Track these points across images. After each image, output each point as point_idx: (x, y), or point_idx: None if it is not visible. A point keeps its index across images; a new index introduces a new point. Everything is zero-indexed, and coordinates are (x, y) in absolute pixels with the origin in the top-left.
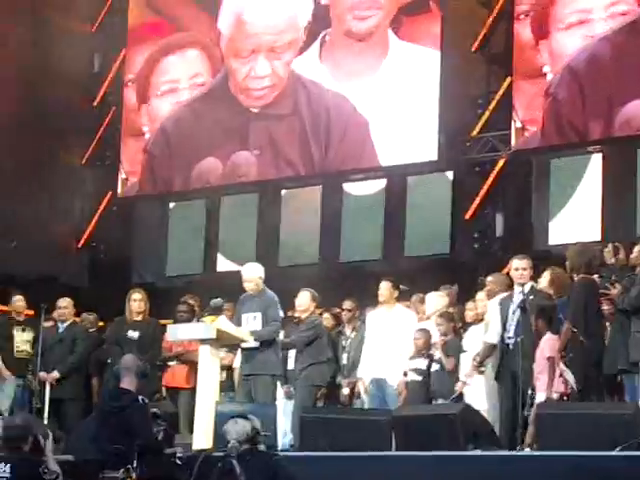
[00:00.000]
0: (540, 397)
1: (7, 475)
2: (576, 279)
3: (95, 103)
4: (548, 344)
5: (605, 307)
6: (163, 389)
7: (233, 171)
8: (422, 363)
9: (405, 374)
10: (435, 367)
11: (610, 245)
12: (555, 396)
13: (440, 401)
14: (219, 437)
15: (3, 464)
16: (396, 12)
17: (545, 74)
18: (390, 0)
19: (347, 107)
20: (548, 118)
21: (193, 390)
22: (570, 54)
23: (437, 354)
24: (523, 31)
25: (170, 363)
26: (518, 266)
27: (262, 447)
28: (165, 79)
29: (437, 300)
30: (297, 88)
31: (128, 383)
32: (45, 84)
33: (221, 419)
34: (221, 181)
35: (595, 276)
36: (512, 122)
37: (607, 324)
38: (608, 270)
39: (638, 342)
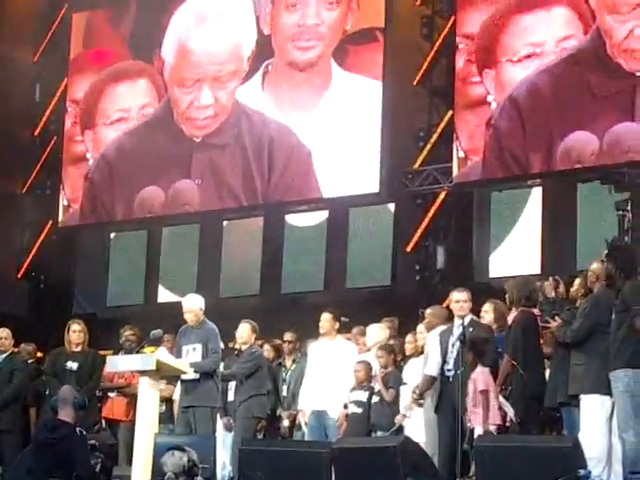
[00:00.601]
0: (478, 430)
1: None
2: (515, 312)
3: (36, 132)
4: (480, 377)
5: (543, 341)
6: (103, 421)
7: (175, 200)
8: (362, 395)
9: (345, 406)
10: (375, 399)
11: (550, 279)
12: (492, 429)
13: (380, 433)
14: (158, 469)
15: None
16: (339, 42)
17: (488, 103)
18: (332, 31)
19: (290, 137)
20: (490, 149)
21: (132, 422)
22: (512, 85)
23: (377, 386)
24: (465, 61)
25: (110, 394)
26: (458, 298)
27: (199, 479)
28: (116, 107)
29: (378, 332)
30: (240, 117)
31: (65, 414)
32: None
33: (160, 451)
34: (163, 210)
35: (535, 309)
36: (455, 152)
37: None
38: (548, 304)
39: (577, 375)
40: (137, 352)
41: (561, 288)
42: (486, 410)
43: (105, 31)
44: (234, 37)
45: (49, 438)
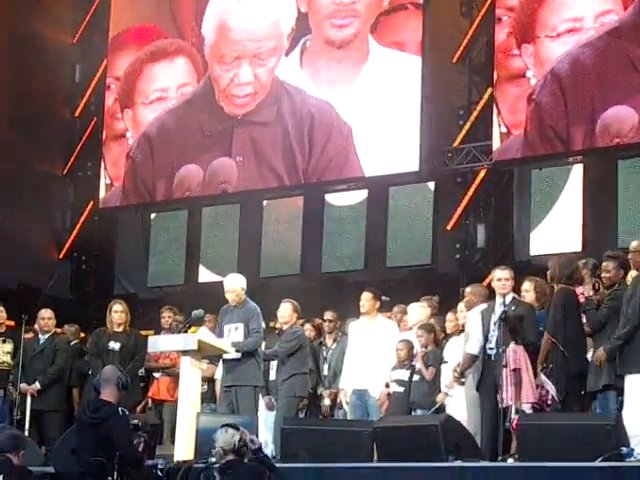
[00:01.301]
0: (525, 408)
1: None
2: (556, 289)
3: (77, 113)
4: (512, 355)
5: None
6: (149, 400)
7: (214, 178)
8: (404, 374)
9: (387, 385)
10: (416, 378)
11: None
12: (525, 407)
13: (420, 412)
14: (201, 448)
15: None
16: (376, 18)
17: (527, 78)
18: (369, 7)
19: (331, 113)
20: (531, 124)
21: (177, 402)
22: (554, 59)
23: (418, 365)
24: (504, 35)
25: (155, 374)
26: (501, 276)
27: (246, 460)
28: (154, 87)
29: (419, 311)
30: (281, 95)
31: (108, 394)
32: (27, 95)
33: (203, 430)
34: (202, 188)
35: (578, 287)
36: (496, 127)
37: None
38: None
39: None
40: (179, 332)
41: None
42: (518, 388)
43: (145, 8)
44: (273, 14)
45: (92, 418)
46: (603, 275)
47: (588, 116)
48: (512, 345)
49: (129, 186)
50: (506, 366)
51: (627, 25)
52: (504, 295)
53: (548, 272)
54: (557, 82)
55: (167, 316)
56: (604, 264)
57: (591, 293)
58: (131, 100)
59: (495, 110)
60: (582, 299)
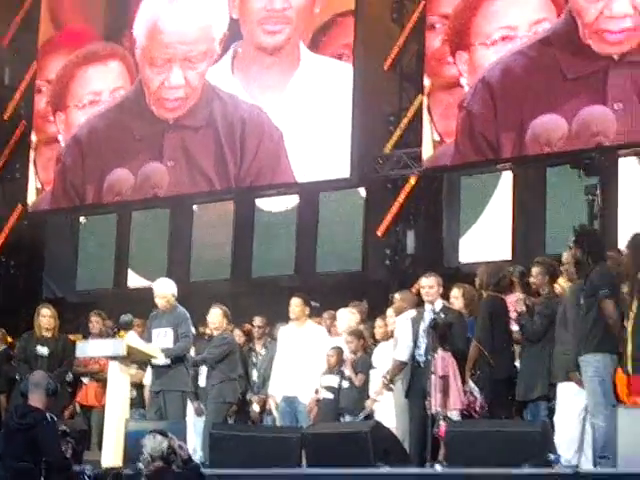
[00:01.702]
0: (453, 415)
1: None
2: (483, 297)
3: (5, 116)
4: (440, 363)
5: (513, 327)
6: (77, 406)
7: (145, 183)
8: (334, 380)
9: (317, 391)
10: (345, 384)
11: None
12: (453, 414)
13: (348, 418)
14: (129, 454)
15: None
16: (307, 26)
17: (461, 86)
18: (300, 14)
19: (262, 118)
20: (462, 132)
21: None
22: (485, 67)
23: (347, 371)
24: (438, 43)
25: (84, 380)
26: (425, 284)
27: (174, 467)
28: (87, 91)
29: (348, 317)
30: (212, 99)
31: (37, 400)
32: None
33: (131, 436)
34: (133, 193)
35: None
36: (430, 134)
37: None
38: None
39: (562, 363)
40: (107, 337)
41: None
42: (446, 395)
43: (76, 12)
44: (205, 18)
45: (19, 424)
46: (530, 280)
47: (518, 124)
48: (440, 352)
49: (59, 190)
50: (434, 373)
51: (557, 33)
52: (431, 302)
53: (476, 280)
54: (488, 90)
55: (95, 321)
56: (532, 270)
57: (522, 307)
58: (63, 103)
59: (428, 118)
60: (512, 307)
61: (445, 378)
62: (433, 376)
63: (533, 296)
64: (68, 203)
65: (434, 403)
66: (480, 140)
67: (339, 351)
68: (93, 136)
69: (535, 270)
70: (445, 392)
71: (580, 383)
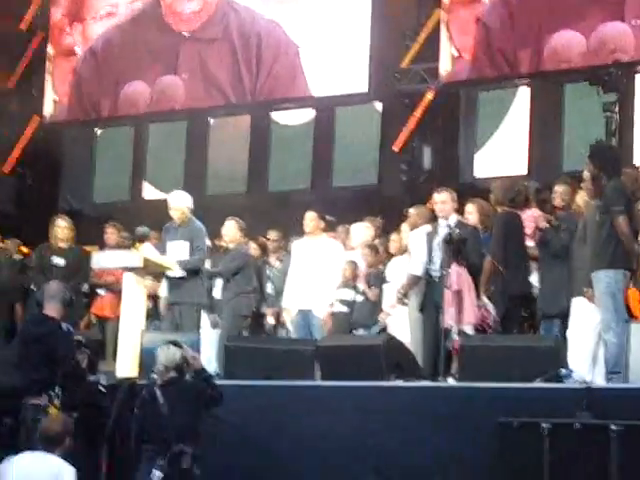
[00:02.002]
0: (467, 329)
1: None
2: (498, 212)
3: (23, 26)
4: (454, 277)
5: (529, 243)
6: (92, 317)
7: (161, 95)
8: (348, 294)
9: (331, 305)
10: (359, 298)
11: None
12: (466, 328)
13: (361, 331)
14: (144, 365)
15: None
16: None
17: (481, 1)
18: None
19: (278, 32)
20: (479, 46)
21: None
22: None
23: (361, 285)
24: None
25: (99, 291)
26: (437, 200)
27: (187, 377)
28: (104, 3)
29: (363, 231)
30: (228, 12)
31: (52, 310)
32: None
33: (146, 347)
34: (148, 106)
35: (521, 210)
36: (447, 50)
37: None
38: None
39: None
40: (123, 249)
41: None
42: (460, 309)
43: None
44: None
45: (35, 333)
46: (555, 197)
47: (535, 39)
48: (455, 266)
49: (74, 102)
50: (448, 287)
51: None
52: (445, 217)
53: (491, 195)
54: (506, 5)
55: (111, 232)
56: (558, 187)
57: (544, 223)
58: (80, 15)
59: (446, 33)
60: (528, 223)
61: (459, 292)
62: (447, 290)
63: (549, 212)
64: (84, 115)
65: (448, 317)
66: (497, 55)
67: (354, 265)
68: (109, 48)
69: (562, 188)
70: (459, 306)
71: (592, 299)
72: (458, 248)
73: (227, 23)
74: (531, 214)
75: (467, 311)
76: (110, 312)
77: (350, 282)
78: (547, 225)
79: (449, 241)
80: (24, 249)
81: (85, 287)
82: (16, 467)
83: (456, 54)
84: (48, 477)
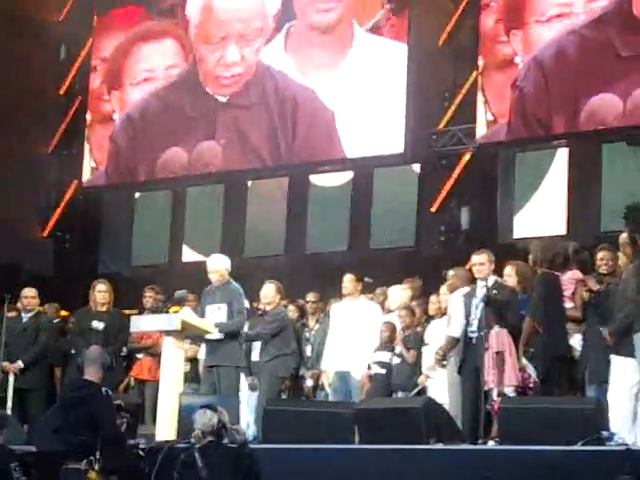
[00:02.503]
0: (496, 392)
1: None
2: (538, 273)
3: (62, 91)
4: (495, 339)
5: (568, 305)
6: (131, 380)
7: (198, 161)
8: (386, 356)
9: (369, 367)
10: (396, 360)
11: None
12: (507, 390)
13: (401, 394)
14: (183, 428)
15: None
16: (360, 4)
17: (516, 64)
18: None
19: (314, 100)
20: (515, 111)
21: (159, 382)
22: (538, 46)
23: (398, 347)
24: (491, 22)
25: (138, 355)
26: (475, 261)
27: (226, 441)
28: (142, 68)
29: (400, 294)
30: (265, 77)
31: (92, 374)
32: (12, 71)
33: (185, 410)
34: (186, 171)
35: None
36: (483, 113)
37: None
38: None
39: None
40: (161, 312)
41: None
42: (501, 371)
43: None
44: None
45: (76, 397)
46: (603, 264)
47: (571, 103)
48: (496, 328)
49: (112, 169)
50: (487, 349)
51: (612, 11)
52: (483, 279)
53: (530, 256)
54: (540, 69)
55: (149, 296)
56: (604, 254)
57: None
58: (119, 81)
59: (482, 98)
60: (569, 284)
61: (500, 354)
62: (488, 352)
63: (587, 274)
64: (121, 181)
65: (489, 379)
66: (532, 120)
67: (392, 326)
68: (146, 115)
69: (605, 254)
70: (500, 368)
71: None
72: (499, 309)
73: (264, 88)
74: (572, 275)
75: (508, 373)
76: (149, 375)
77: (388, 344)
78: (600, 287)
79: (489, 302)
80: (63, 313)
81: (124, 351)
82: None
83: (491, 118)
84: None
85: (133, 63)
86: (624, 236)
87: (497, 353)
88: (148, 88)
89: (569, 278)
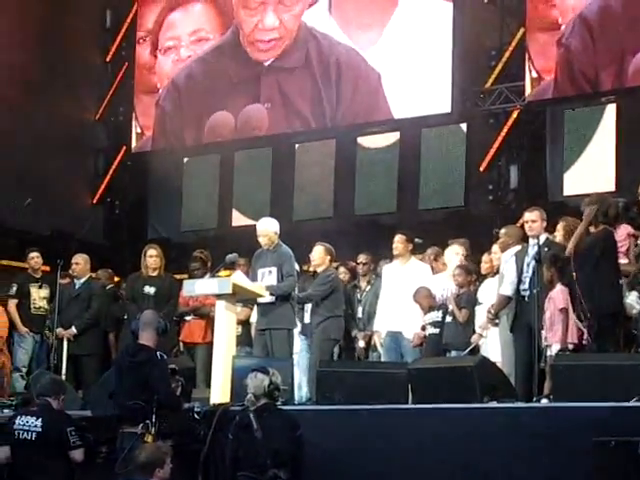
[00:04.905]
0: (555, 348)
1: (38, 430)
2: (596, 229)
3: (108, 59)
4: (560, 295)
5: (622, 260)
6: (181, 344)
7: (245, 124)
8: (437, 315)
9: (423, 328)
10: (448, 319)
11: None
12: (570, 347)
13: (454, 353)
14: (236, 391)
15: (34, 418)
16: None
17: (559, 24)
18: None
19: (359, 61)
20: (561, 68)
21: (210, 345)
22: (583, 4)
23: (450, 306)
24: None
25: (187, 318)
26: (528, 219)
27: (279, 403)
28: (167, 36)
29: (456, 250)
30: (308, 41)
31: (147, 339)
32: (58, 39)
33: (238, 373)
34: (233, 134)
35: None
36: (527, 72)
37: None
38: None
39: None
40: (213, 276)
41: None
42: (565, 328)
43: None
44: None
45: (131, 362)
46: None
47: (618, 58)
48: (559, 286)
49: (159, 134)
50: (542, 307)
51: None
52: (535, 236)
53: (585, 212)
54: (586, 25)
55: (198, 259)
56: None
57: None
58: (155, 53)
59: (526, 55)
60: (622, 239)
61: (565, 311)
62: (550, 309)
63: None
64: (168, 146)
65: (549, 335)
66: (579, 77)
67: (426, 291)
68: (191, 81)
69: None
70: (565, 325)
71: None
72: (562, 266)
73: (307, 51)
74: (624, 230)
75: (572, 330)
76: (199, 337)
77: (427, 310)
78: None
79: (538, 260)
80: (115, 278)
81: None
82: None
83: (536, 75)
84: None
85: (163, 33)
86: None
87: (561, 310)
88: (174, 56)
89: (622, 234)
